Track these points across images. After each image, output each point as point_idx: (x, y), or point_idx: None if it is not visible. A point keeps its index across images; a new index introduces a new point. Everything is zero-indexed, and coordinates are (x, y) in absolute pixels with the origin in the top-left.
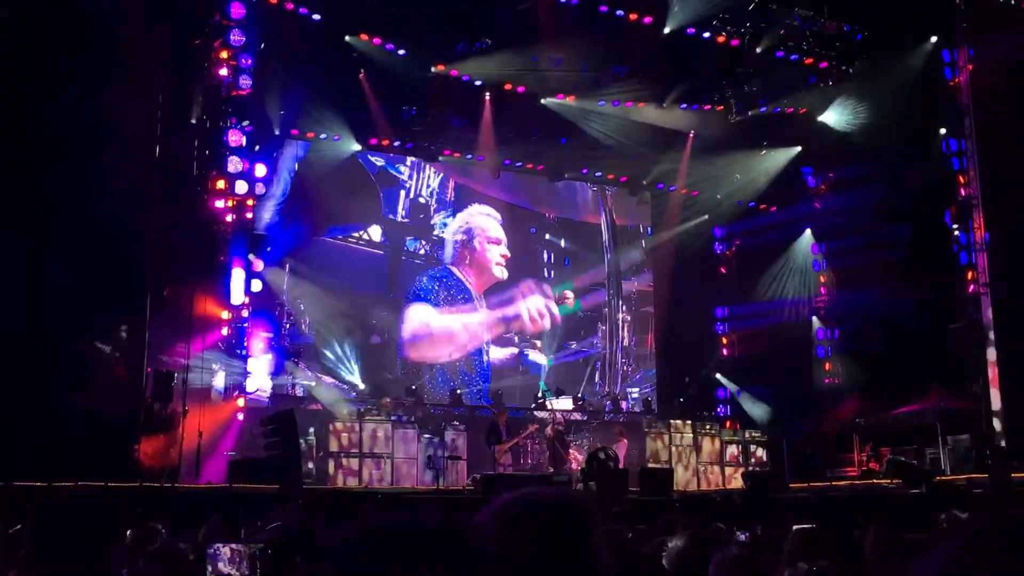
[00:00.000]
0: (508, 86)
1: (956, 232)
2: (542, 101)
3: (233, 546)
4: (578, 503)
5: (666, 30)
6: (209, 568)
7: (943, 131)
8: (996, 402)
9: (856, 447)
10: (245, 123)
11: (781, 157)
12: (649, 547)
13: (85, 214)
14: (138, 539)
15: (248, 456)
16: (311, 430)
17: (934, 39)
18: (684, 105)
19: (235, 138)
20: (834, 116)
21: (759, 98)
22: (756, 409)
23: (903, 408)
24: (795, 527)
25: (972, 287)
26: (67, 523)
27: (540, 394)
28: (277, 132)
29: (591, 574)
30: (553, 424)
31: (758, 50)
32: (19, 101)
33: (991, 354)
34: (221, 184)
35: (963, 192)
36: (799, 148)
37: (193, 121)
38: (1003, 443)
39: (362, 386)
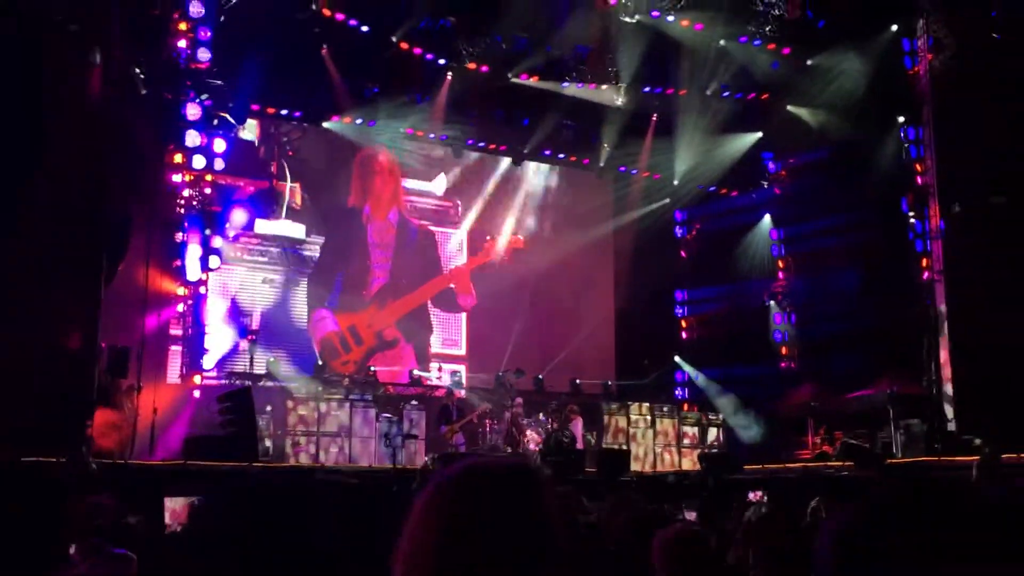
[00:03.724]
0: (471, 65)
1: (912, 220)
2: (510, 79)
3: None
4: (532, 470)
5: (631, 18)
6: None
7: (902, 119)
8: (948, 388)
9: (811, 430)
10: (204, 96)
11: (742, 142)
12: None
13: (32, 187)
14: (88, 514)
15: (204, 433)
16: (268, 408)
17: (894, 27)
18: (647, 88)
19: (193, 112)
20: (795, 103)
21: (721, 84)
22: (716, 395)
23: (857, 392)
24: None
25: (926, 274)
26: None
27: (500, 373)
28: (236, 107)
29: (545, 542)
30: (512, 406)
31: (721, 39)
32: None
33: (943, 340)
34: (179, 158)
35: (920, 180)
36: (760, 134)
37: (144, 92)
38: (953, 428)
39: (320, 363)
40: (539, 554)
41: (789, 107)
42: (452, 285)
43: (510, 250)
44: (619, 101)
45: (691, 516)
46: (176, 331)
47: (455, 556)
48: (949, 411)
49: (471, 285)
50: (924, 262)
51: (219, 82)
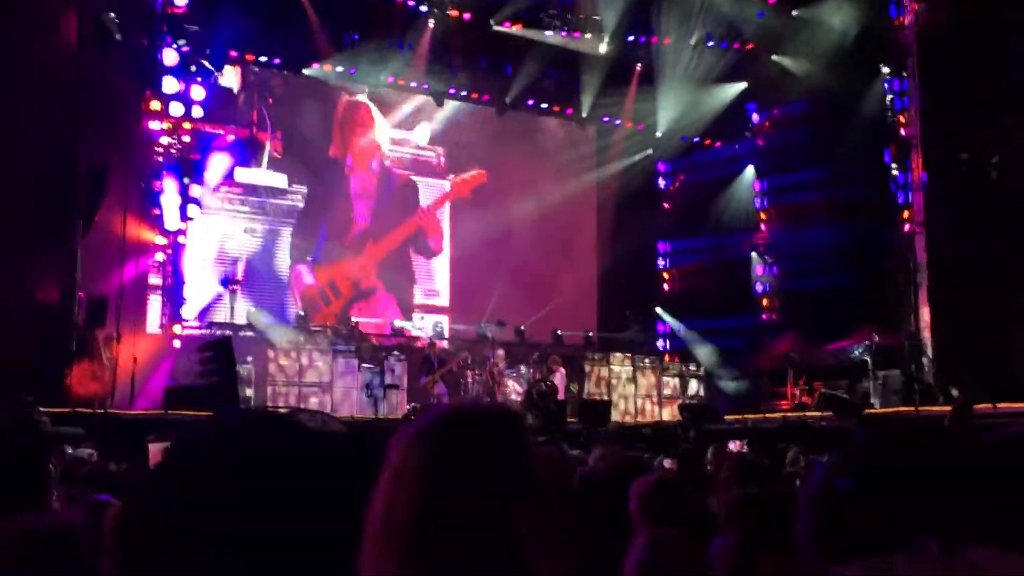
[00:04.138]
0: (454, 12)
1: (895, 172)
2: (492, 27)
3: None
4: (513, 414)
5: None
6: None
7: (886, 70)
8: (927, 339)
9: (790, 381)
10: (181, 42)
11: (726, 93)
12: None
13: (6, 137)
14: (70, 464)
15: (185, 383)
16: (249, 358)
17: None
18: (631, 37)
19: (170, 58)
20: (780, 53)
21: (706, 33)
22: (697, 346)
23: (837, 344)
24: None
25: (908, 226)
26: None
27: (482, 324)
28: (214, 53)
29: (526, 486)
30: (494, 357)
31: None
32: None
33: (923, 292)
34: (156, 105)
35: (903, 132)
36: (744, 84)
37: (119, 38)
38: (931, 379)
39: (302, 313)
40: (518, 497)
41: (774, 57)
42: (421, 226)
43: (474, 184)
44: (603, 50)
45: (669, 464)
46: (156, 280)
47: (434, 497)
48: (928, 362)
49: (440, 226)
50: (905, 214)
51: (196, 27)
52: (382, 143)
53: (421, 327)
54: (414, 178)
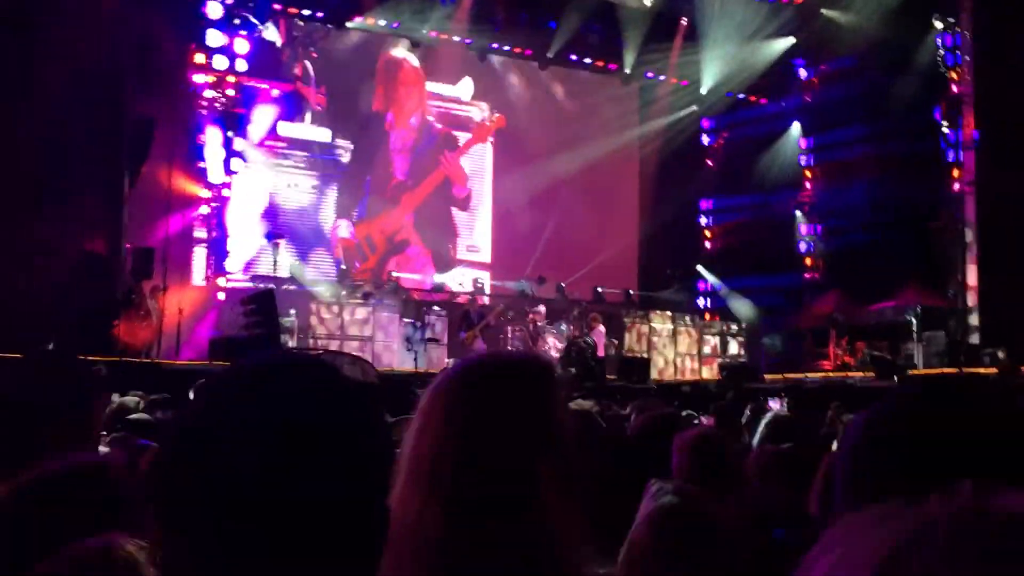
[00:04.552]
0: None
1: (945, 129)
2: None
3: None
4: (542, 364)
5: None
6: None
7: (939, 25)
8: (972, 300)
9: (833, 341)
10: None
11: (774, 48)
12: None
13: (53, 92)
14: (116, 411)
15: (229, 335)
16: (292, 311)
17: None
18: None
19: (214, 10)
20: (830, 6)
21: None
22: (739, 305)
23: (881, 304)
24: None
25: (957, 186)
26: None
27: (523, 280)
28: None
29: (553, 435)
30: (533, 314)
31: None
32: None
33: (970, 253)
34: (200, 58)
35: (955, 89)
36: (792, 39)
37: None
38: (976, 340)
39: (343, 267)
40: (545, 445)
41: (823, 11)
42: (447, 175)
43: (493, 129)
44: (647, 3)
45: (708, 422)
46: (201, 233)
47: (460, 440)
48: (973, 325)
49: (463, 173)
50: (955, 173)
51: None
52: (422, 98)
53: (461, 283)
54: (456, 133)
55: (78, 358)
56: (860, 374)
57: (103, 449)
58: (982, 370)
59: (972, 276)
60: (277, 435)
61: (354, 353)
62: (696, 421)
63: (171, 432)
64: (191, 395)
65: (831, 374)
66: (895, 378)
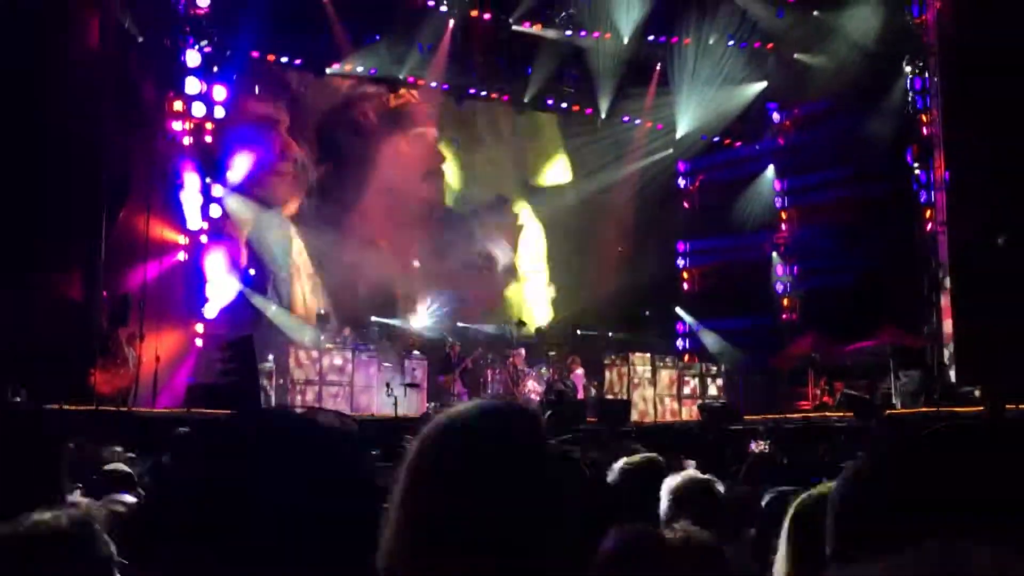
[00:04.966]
0: (474, 12)
1: (916, 171)
2: (512, 27)
3: None
4: (530, 413)
5: None
6: None
7: (908, 69)
8: (947, 339)
9: (811, 381)
10: (203, 43)
11: (746, 92)
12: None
13: (31, 137)
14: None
15: (207, 381)
16: (271, 356)
17: None
18: (650, 37)
19: (193, 59)
20: (801, 52)
21: (726, 32)
22: (715, 345)
23: (857, 344)
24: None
25: (929, 226)
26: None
27: (503, 324)
28: (234, 54)
29: (544, 486)
30: (513, 357)
31: None
32: None
33: (945, 293)
34: (179, 106)
35: (925, 131)
36: (765, 83)
37: (142, 40)
38: (952, 379)
39: (324, 312)
40: (535, 494)
41: (796, 55)
42: None
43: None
44: (622, 50)
45: (690, 465)
46: (178, 279)
47: (451, 493)
48: (949, 364)
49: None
50: (927, 213)
51: (218, 29)
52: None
53: (440, 327)
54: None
55: (44, 409)
56: (839, 414)
57: (78, 499)
58: (959, 409)
59: (947, 316)
60: (269, 498)
61: (334, 408)
62: (683, 464)
63: (159, 490)
64: (175, 444)
65: (811, 414)
66: (873, 419)
